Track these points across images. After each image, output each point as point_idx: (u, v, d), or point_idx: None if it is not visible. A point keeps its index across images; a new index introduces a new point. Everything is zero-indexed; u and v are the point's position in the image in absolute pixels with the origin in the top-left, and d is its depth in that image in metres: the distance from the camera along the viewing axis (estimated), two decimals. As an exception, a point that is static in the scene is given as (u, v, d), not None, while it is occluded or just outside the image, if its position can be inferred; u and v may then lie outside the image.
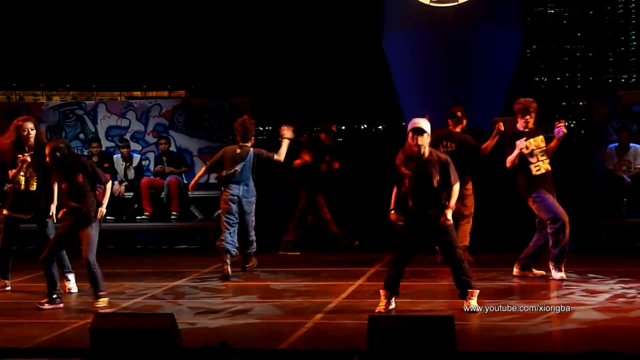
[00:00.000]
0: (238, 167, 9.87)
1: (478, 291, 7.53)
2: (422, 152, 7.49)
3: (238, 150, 9.99)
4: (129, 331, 5.83)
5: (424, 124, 7.51)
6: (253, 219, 10.04)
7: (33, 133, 8.96)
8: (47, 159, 8.06)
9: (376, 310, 7.44)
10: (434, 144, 9.70)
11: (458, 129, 10.10)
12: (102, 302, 7.94)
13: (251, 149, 10.03)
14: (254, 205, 10.03)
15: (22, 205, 8.99)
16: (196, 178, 10.29)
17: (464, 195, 10.10)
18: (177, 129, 13.79)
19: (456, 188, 7.57)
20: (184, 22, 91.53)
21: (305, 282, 9.20)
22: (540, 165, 8.87)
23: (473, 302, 7.45)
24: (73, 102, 16.62)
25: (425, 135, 7.47)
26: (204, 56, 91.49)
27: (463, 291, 7.52)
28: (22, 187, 8.98)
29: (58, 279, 8.25)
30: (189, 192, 12.80)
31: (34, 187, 8.99)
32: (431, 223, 7.46)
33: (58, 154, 7.94)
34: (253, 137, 10.15)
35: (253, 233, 10.05)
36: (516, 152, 8.79)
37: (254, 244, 10.08)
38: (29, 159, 8.82)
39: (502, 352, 6.16)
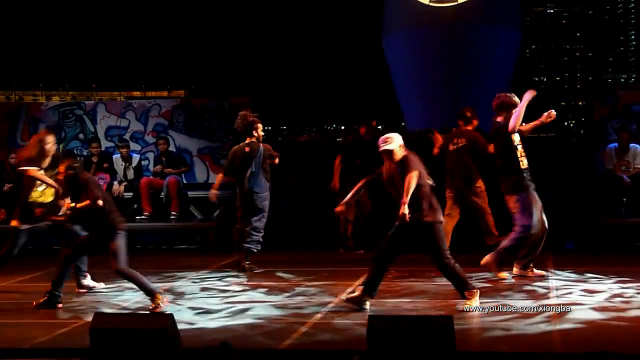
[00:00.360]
0: (253, 167, 9.85)
1: (478, 291, 7.55)
2: (393, 158, 7.53)
3: (247, 149, 9.94)
4: (129, 331, 5.83)
5: (389, 140, 7.53)
6: (264, 216, 10.00)
7: (54, 148, 8.97)
8: (61, 176, 8.17)
9: (344, 297, 7.67)
10: (445, 143, 9.89)
11: (469, 128, 10.12)
12: (159, 299, 7.81)
13: (261, 145, 10.00)
14: (266, 202, 9.99)
15: (35, 216, 8.96)
16: (216, 185, 10.22)
17: (476, 192, 10.10)
18: (176, 129, 13.79)
19: (409, 179, 7.33)
20: (183, 22, 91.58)
21: (305, 282, 9.19)
22: (523, 161, 8.91)
23: (472, 302, 7.46)
24: (72, 102, 16.61)
25: (390, 146, 7.49)
26: (204, 56, 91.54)
27: (462, 294, 7.57)
28: (39, 200, 8.94)
29: (64, 283, 8.19)
30: (189, 192, 12.85)
31: (49, 199, 8.97)
32: (413, 228, 7.47)
33: (71, 171, 8.04)
34: (257, 132, 10.07)
35: (261, 231, 10.00)
36: (526, 98, 8.69)
37: (259, 244, 10.03)
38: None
39: (502, 352, 6.17)
